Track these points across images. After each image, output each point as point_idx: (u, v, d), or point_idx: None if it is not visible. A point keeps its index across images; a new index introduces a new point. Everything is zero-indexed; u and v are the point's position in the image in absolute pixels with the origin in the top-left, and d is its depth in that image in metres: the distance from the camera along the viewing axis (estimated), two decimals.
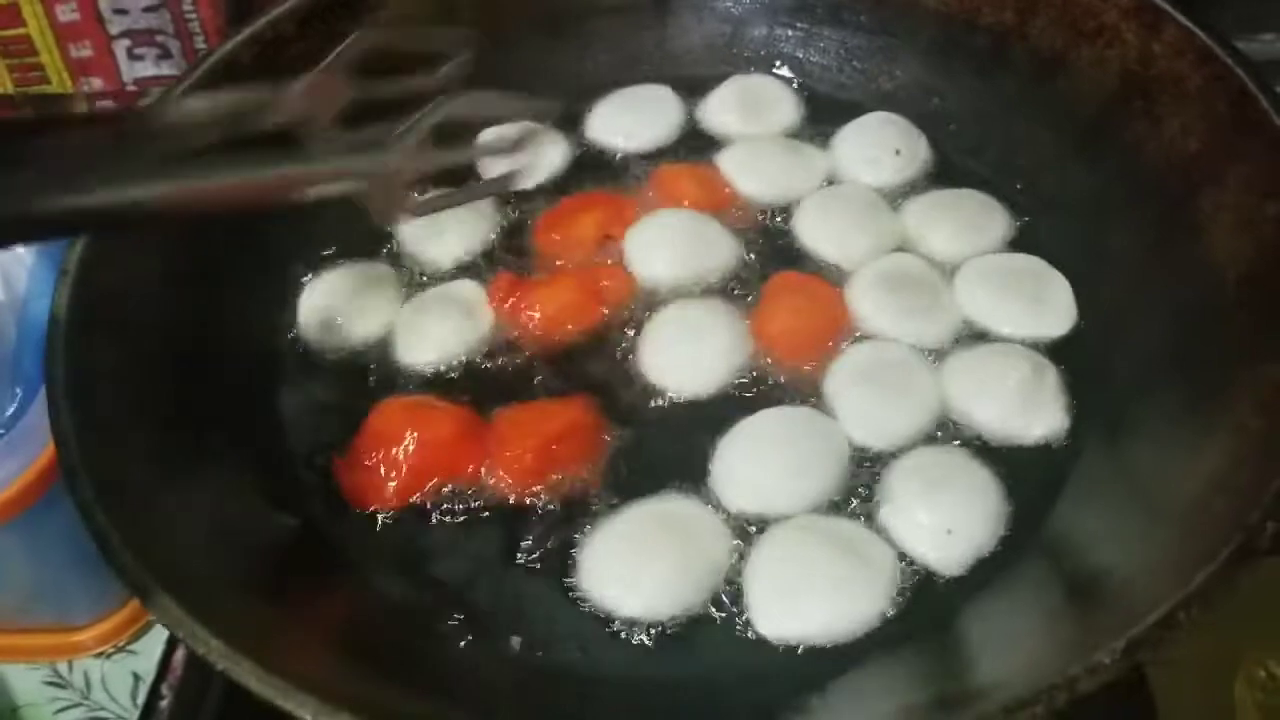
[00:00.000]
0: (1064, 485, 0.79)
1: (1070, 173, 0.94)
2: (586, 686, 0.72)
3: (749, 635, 0.73)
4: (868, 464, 0.80)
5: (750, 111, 1.05)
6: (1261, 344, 0.73)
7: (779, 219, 0.97)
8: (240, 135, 0.67)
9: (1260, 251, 0.76)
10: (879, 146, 1.00)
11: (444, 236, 0.96)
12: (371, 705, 0.59)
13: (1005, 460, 0.80)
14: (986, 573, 0.75)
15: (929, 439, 0.82)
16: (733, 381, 0.86)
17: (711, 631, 0.74)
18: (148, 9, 1.19)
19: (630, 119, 1.06)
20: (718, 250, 0.93)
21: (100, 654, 0.92)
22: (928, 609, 0.73)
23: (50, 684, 0.92)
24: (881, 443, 0.81)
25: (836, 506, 0.79)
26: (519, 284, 0.92)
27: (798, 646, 0.72)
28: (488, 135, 0.91)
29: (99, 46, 1.22)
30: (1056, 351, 0.86)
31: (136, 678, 0.91)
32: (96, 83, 1.25)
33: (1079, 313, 0.88)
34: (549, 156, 1.04)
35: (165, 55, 1.23)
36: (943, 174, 1.00)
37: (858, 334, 0.88)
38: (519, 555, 0.78)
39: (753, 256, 0.94)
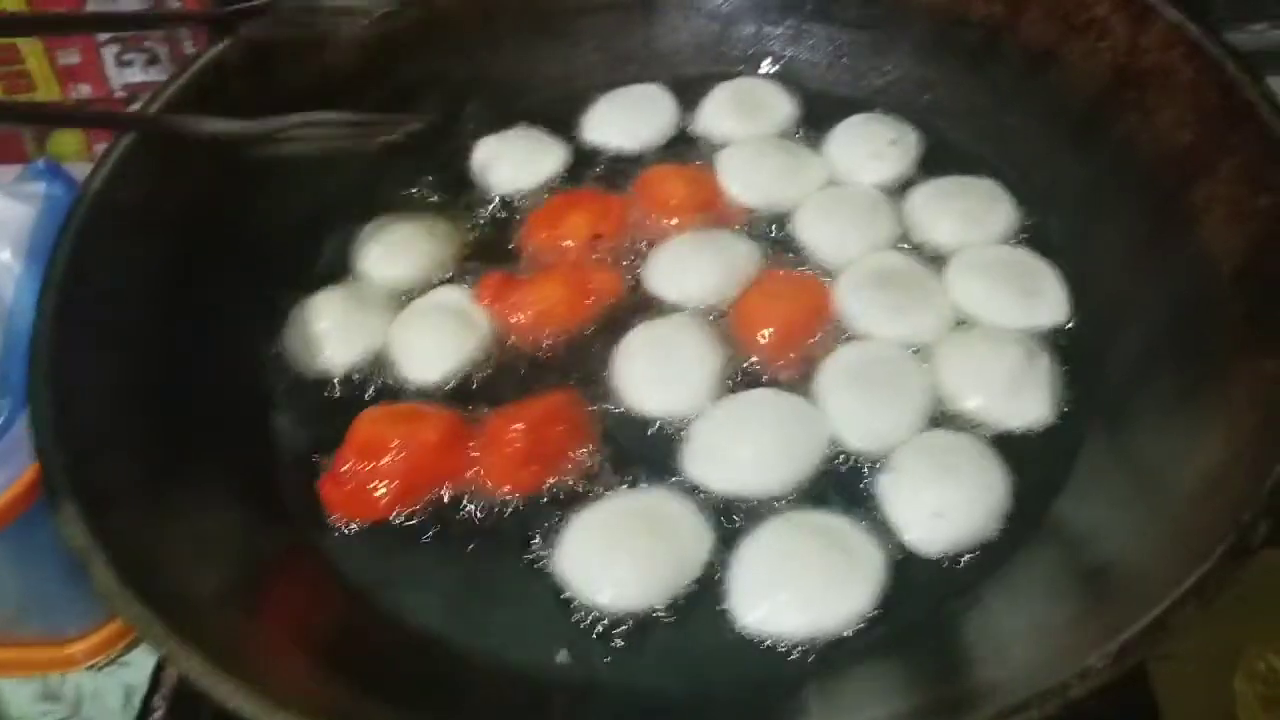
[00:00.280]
0: (1066, 478, 0.78)
1: (1064, 166, 0.94)
2: (573, 692, 0.72)
3: (731, 633, 0.72)
4: (846, 460, 0.80)
5: (746, 114, 1.04)
6: (1256, 337, 0.72)
7: (772, 222, 0.97)
8: None
9: (1253, 244, 0.76)
10: (873, 142, 1.00)
11: (404, 258, 0.96)
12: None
13: (1007, 449, 0.79)
14: (982, 569, 0.74)
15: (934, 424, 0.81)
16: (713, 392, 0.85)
17: (693, 631, 0.73)
18: None
19: (626, 119, 1.06)
20: (743, 266, 0.92)
21: (92, 667, 0.91)
22: (921, 609, 0.73)
23: (42, 698, 0.91)
24: (874, 445, 0.80)
25: (821, 499, 0.78)
26: (508, 283, 0.92)
27: (786, 650, 0.71)
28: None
29: (87, 53, 1.21)
30: (1052, 342, 0.85)
31: (128, 691, 0.90)
32: (85, 89, 1.24)
33: (1074, 304, 0.87)
34: (545, 159, 1.03)
35: (153, 61, 1.23)
36: (936, 169, 0.99)
37: (848, 334, 0.87)
38: (515, 560, 0.77)
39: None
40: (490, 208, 1.00)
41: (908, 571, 0.74)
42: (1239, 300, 0.76)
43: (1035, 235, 0.93)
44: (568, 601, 0.75)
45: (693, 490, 0.79)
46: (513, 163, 1.03)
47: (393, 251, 0.96)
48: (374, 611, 0.76)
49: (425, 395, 0.87)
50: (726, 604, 0.73)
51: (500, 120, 1.06)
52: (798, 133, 1.04)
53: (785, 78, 1.08)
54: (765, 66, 1.10)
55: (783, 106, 1.05)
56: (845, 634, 0.71)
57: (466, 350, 0.88)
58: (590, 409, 0.84)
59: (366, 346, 0.90)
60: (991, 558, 0.74)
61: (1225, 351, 0.74)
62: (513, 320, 0.90)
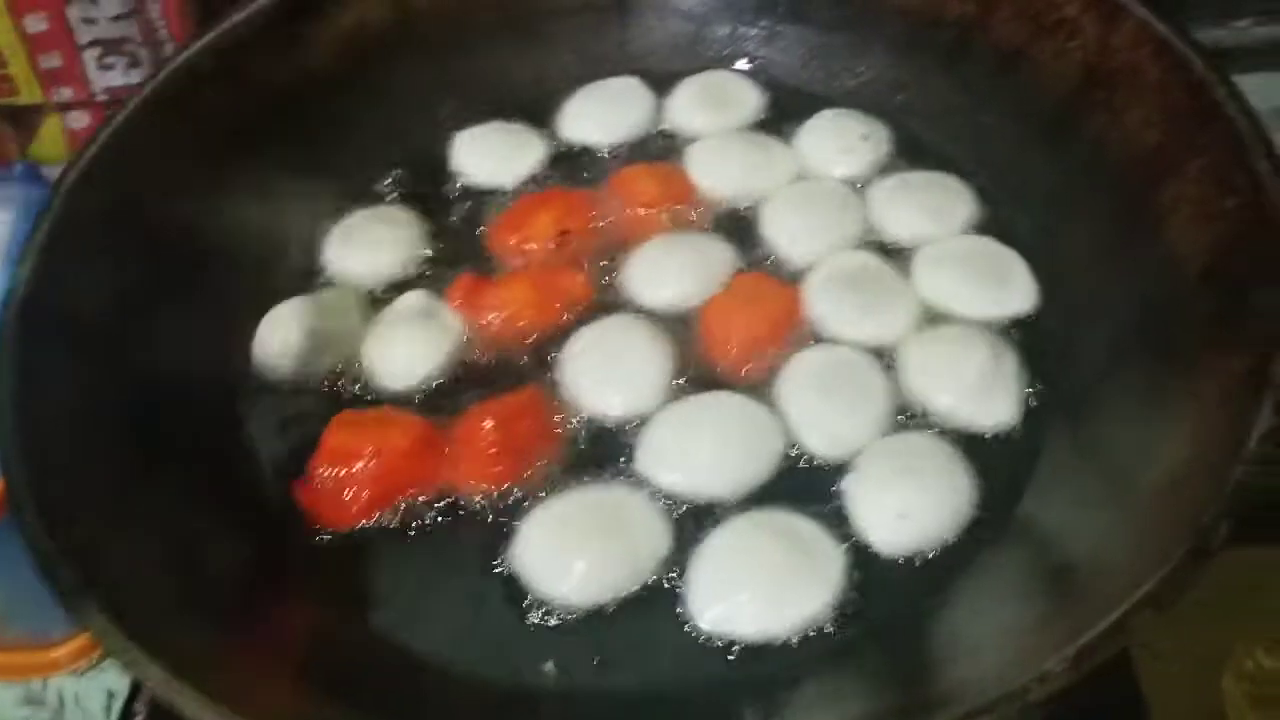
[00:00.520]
0: (1030, 478, 0.78)
1: (1035, 165, 0.93)
2: (548, 699, 0.72)
3: (690, 635, 0.73)
4: (809, 461, 0.80)
5: (714, 107, 1.05)
6: (1223, 336, 0.72)
7: (740, 218, 0.97)
8: None
9: (1220, 244, 0.76)
10: (844, 136, 1.00)
11: (368, 253, 0.96)
12: None
13: (973, 450, 0.79)
14: (948, 570, 0.74)
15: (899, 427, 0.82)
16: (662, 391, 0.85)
17: (649, 631, 0.74)
18: (116, 18, 1.19)
19: (603, 112, 1.06)
20: (720, 270, 0.92)
21: (74, 671, 0.92)
22: (886, 610, 0.73)
23: (24, 702, 0.92)
24: (835, 450, 0.80)
25: (783, 499, 0.78)
26: (479, 285, 0.92)
27: (743, 652, 0.71)
28: None
29: (68, 56, 1.21)
30: (1019, 338, 0.86)
31: (110, 695, 0.91)
32: (67, 93, 1.24)
33: (1043, 302, 0.87)
34: (523, 154, 1.03)
35: (135, 64, 1.23)
36: (909, 167, 0.99)
37: (816, 336, 0.87)
38: (488, 565, 0.78)
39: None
40: (467, 205, 1.01)
41: (873, 572, 0.74)
42: (1206, 299, 0.76)
43: (1004, 233, 0.92)
44: (527, 604, 0.75)
45: (649, 490, 0.79)
46: (490, 157, 1.03)
47: (363, 249, 0.96)
48: (344, 619, 0.76)
49: (399, 400, 0.87)
50: (683, 603, 0.74)
51: (476, 119, 1.06)
52: (768, 130, 1.03)
53: (759, 78, 1.08)
54: (740, 66, 1.10)
55: (751, 99, 1.06)
56: (809, 634, 0.71)
57: (441, 355, 0.89)
58: (556, 406, 0.85)
59: (338, 353, 0.90)
60: (957, 558, 0.74)
61: (1192, 350, 0.74)
62: (484, 322, 0.90)
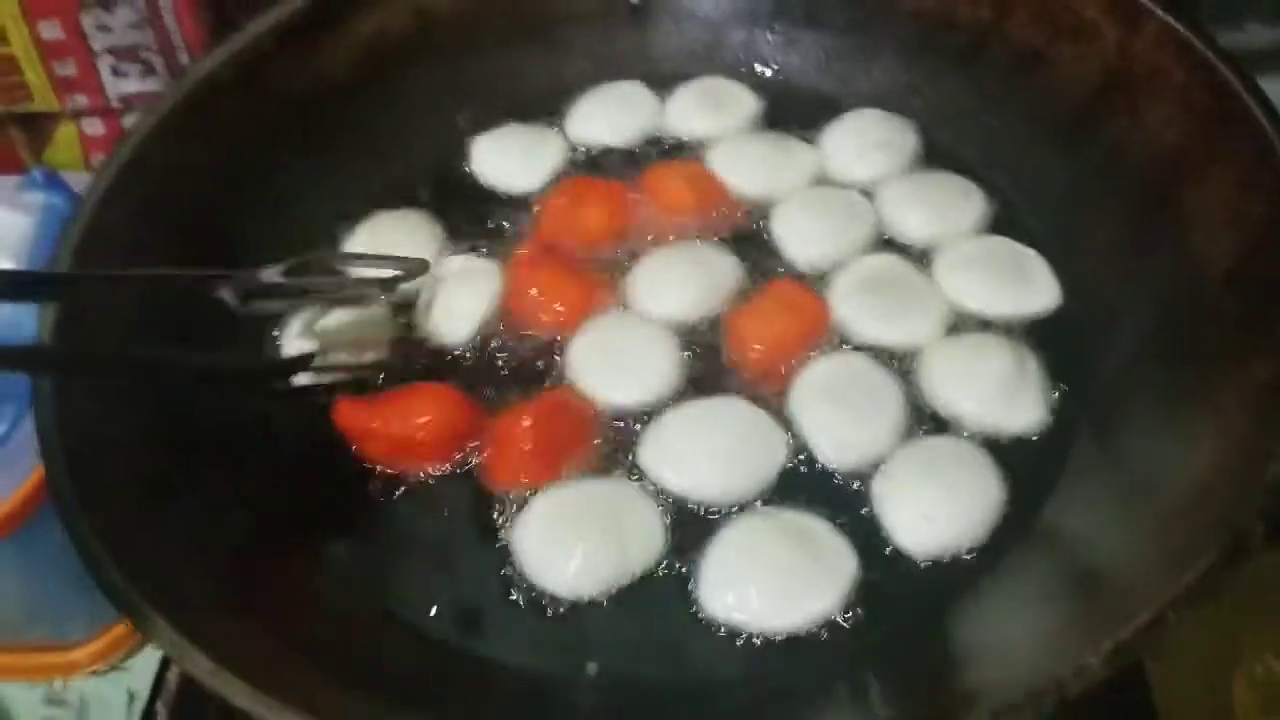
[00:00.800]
0: (1055, 481, 0.78)
1: (1052, 167, 0.94)
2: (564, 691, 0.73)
3: (700, 630, 0.73)
4: (808, 465, 0.80)
5: (714, 109, 1.05)
6: (1247, 341, 0.72)
7: (765, 220, 0.97)
8: None
9: (1244, 248, 0.76)
10: (867, 138, 1.00)
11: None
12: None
13: (998, 454, 0.79)
14: (973, 572, 0.74)
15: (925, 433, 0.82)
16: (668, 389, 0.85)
17: (663, 625, 0.74)
18: (131, 25, 1.20)
19: (613, 114, 1.07)
20: (725, 279, 0.92)
21: (95, 672, 0.92)
22: (911, 611, 0.73)
23: (46, 702, 0.92)
24: (848, 459, 0.80)
25: (799, 499, 0.78)
26: (533, 267, 0.92)
27: (759, 648, 0.72)
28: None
29: (83, 64, 1.22)
30: (1042, 341, 0.86)
31: (131, 695, 0.91)
32: (82, 100, 1.25)
33: (1063, 305, 0.88)
34: (541, 160, 1.04)
35: (150, 71, 1.23)
36: (923, 168, 0.99)
37: (844, 341, 0.87)
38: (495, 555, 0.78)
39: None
40: (487, 207, 1.01)
41: (897, 573, 0.75)
42: (1230, 304, 0.76)
43: (1021, 237, 0.92)
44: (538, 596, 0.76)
45: (651, 487, 0.80)
46: (510, 160, 1.03)
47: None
48: (370, 611, 0.77)
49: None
50: (696, 597, 0.74)
51: (493, 123, 1.06)
52: (789, 132, 1.04)
53: (774, 82, 1.09)
54: (755, 71, 1.10)
55: (748, 102, 1.06)
56: (829, 633, 0.72)
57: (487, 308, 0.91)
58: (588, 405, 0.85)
59: (369, 357, 0.90)
60: (983, 561, 0.74)
61: (1216, 355, 0.74)
62: (531, 308, 0.91)
